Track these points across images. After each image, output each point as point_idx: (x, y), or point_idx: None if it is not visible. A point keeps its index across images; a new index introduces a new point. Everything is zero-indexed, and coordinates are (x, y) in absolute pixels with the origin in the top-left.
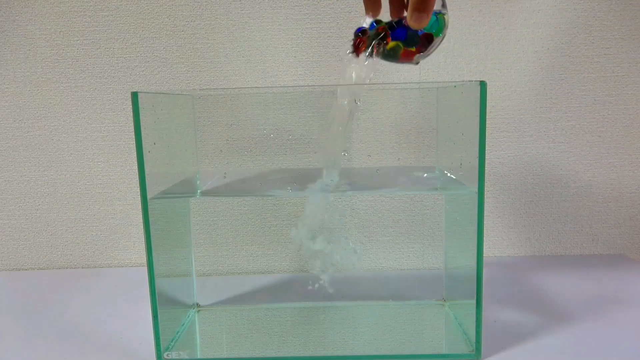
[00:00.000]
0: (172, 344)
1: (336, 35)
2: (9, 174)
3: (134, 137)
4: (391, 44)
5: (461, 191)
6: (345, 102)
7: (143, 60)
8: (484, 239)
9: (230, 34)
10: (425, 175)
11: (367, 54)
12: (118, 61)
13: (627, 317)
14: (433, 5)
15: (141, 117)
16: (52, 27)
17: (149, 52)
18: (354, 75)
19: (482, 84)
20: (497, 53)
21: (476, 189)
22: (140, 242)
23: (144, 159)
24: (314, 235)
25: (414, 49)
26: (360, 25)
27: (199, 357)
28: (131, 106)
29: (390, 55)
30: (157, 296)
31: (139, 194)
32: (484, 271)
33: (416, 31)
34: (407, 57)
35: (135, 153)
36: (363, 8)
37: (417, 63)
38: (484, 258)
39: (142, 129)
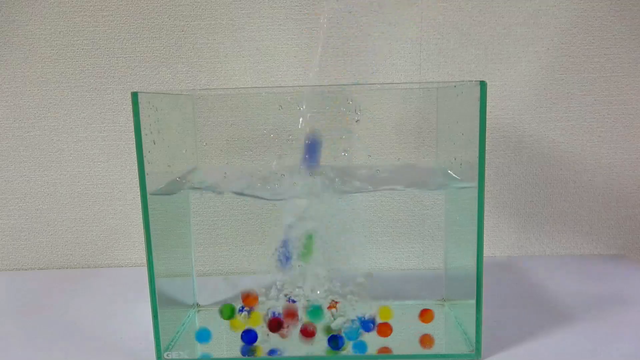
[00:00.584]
0: (172, 344)
1: (336, 35)
2: (9, 174)
3: (134, 137)
4: None
5: (461, 191)
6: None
7: (143, 60)
8: (484, 239)
9: (230, 34)
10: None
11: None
12: (118, 61)
13: (627, 317)
14: None
15: (141, 117)
16: (52, 27)
17: (149, 52)
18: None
19: (482, 84)
20: (497, 53)
21: (476, 189)
22: (140, 242)
23: (144, 159)
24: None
25: None
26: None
27: (199, 357)
28: (131, 106)
29: None
30: (157, 296)
31: (139, 194)
32: (484, 271)
33: None
34: None
35: (135, 153)
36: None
37: None
38: (484, 258)
39: (142, 129)
